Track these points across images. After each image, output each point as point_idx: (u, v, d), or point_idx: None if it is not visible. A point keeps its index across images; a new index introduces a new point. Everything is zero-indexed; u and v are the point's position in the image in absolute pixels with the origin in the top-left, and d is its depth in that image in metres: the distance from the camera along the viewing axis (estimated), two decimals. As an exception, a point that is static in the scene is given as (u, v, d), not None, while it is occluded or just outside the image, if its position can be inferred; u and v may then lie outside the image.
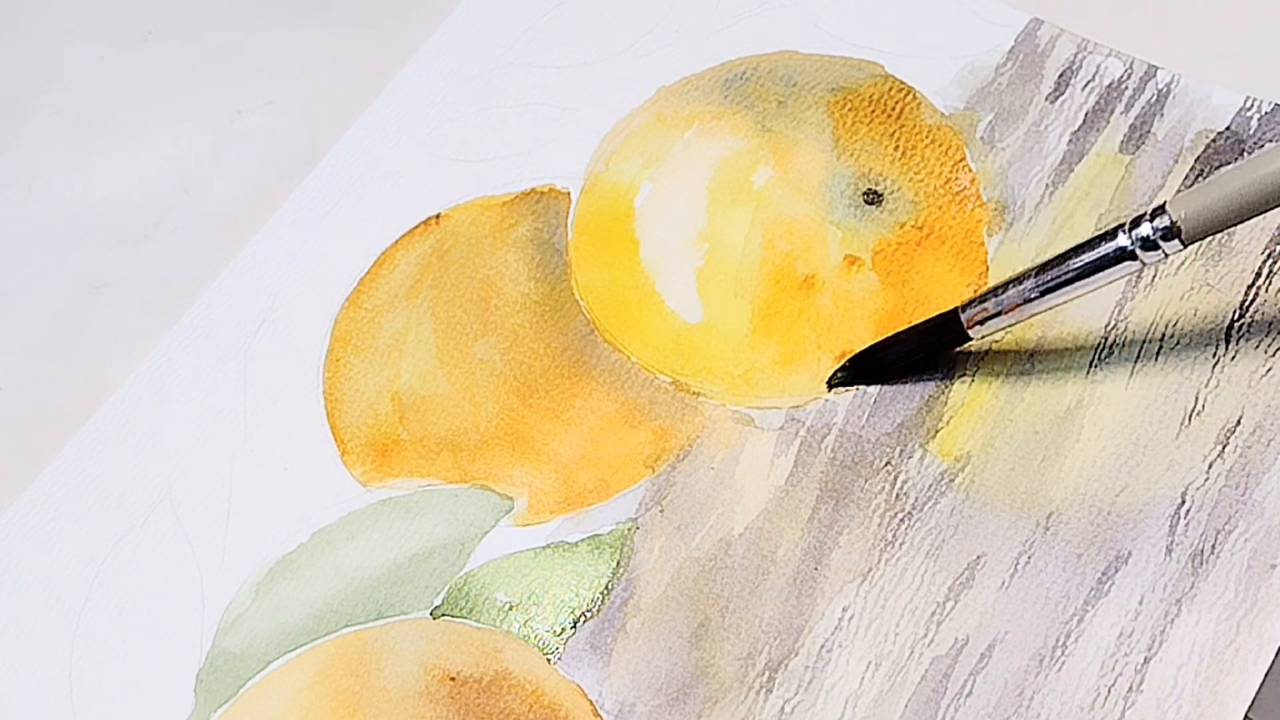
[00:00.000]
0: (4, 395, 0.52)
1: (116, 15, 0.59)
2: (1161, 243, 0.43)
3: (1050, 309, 0.45)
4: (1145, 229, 0.43)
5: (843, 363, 0.47)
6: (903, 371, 0.47)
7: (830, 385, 0.47)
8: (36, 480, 0.49)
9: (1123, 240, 0.43)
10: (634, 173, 0.51)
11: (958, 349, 0.47)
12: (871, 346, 0.47)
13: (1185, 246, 0.43)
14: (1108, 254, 0.44)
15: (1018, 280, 0.45)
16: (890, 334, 0.47)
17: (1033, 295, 0.45)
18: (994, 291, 0.45)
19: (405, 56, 0.56)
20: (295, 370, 0.50)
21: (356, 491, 0.47)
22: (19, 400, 0.51)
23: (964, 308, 0.46)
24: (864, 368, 0.47)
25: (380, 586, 0.46)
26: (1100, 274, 0.44)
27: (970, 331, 0.46)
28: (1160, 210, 0.43)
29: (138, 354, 0.51)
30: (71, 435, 0.50)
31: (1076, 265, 0.44)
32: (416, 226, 0.52)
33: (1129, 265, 0.44)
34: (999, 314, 0.45)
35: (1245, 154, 0.50)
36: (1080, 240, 0.44)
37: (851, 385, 0.47)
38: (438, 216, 0.52)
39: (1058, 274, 0.44)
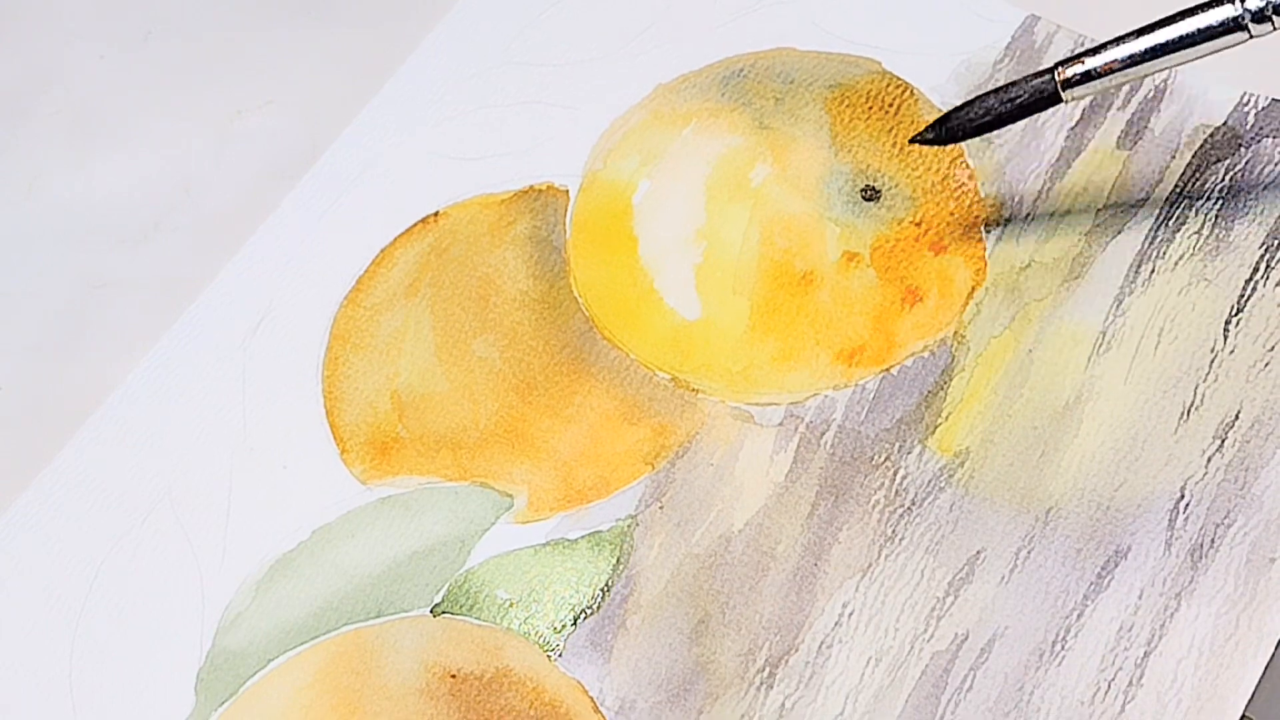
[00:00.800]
0: (4, 395, 0.52)
1: (116, 15, 0.59)
2: (1274, 15, 0.43)
3: (1147, 75, 0.45)
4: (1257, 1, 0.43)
5: (931, 123, 0.47)
6: (988, 127, 0.47)
7: (913, 141, 0.47)
8: (35, 480, 0.49)
9: (1231, 10, 0.43)
10: (632, 170, 0.52)
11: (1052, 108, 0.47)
12: (961, 105, 0.47)
13: None
14: (1215, 24, 0.44)
15: (1115, 43, 0.45)
16: (980, 93, 0.47)
17: (1132, 62, 0.45)
18: (1091, 51, 0.45)
19: (404, 56, 0.56)
20: (294, 369, 0.50)
21: (356, 490, 0.47)
22: (19, 400, 0.51)
23: (1061, 66, 0.45)
24: (951, 127, 0.47)
25: (380, 584, 0.46)
26: (1203, 45, 0.44)
27: (1063, 94, 0.45)
28: None
29: (138, 354, 0.51)
30: (72, 435, 0.50)
31: (1180, 32, 0.44)
32: (415, 224, 0.52)
33: (1237, 36, 0.44)
34: (1095, 77, 0.45)
35: (1243, 149, 0.50)
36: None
37: (937, 145, 0.47)
38: (436, 214, 0.52)
39: (1159, 40, 0.44)
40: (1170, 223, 0.49)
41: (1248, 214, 0.48)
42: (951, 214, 0.50)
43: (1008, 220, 0.49)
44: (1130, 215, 0.49)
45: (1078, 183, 0.50)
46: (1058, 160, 0.50)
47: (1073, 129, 0.51)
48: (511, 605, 0.45)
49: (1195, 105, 0.51)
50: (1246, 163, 0.49)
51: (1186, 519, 0.44)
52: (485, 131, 0.53)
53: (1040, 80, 0.46)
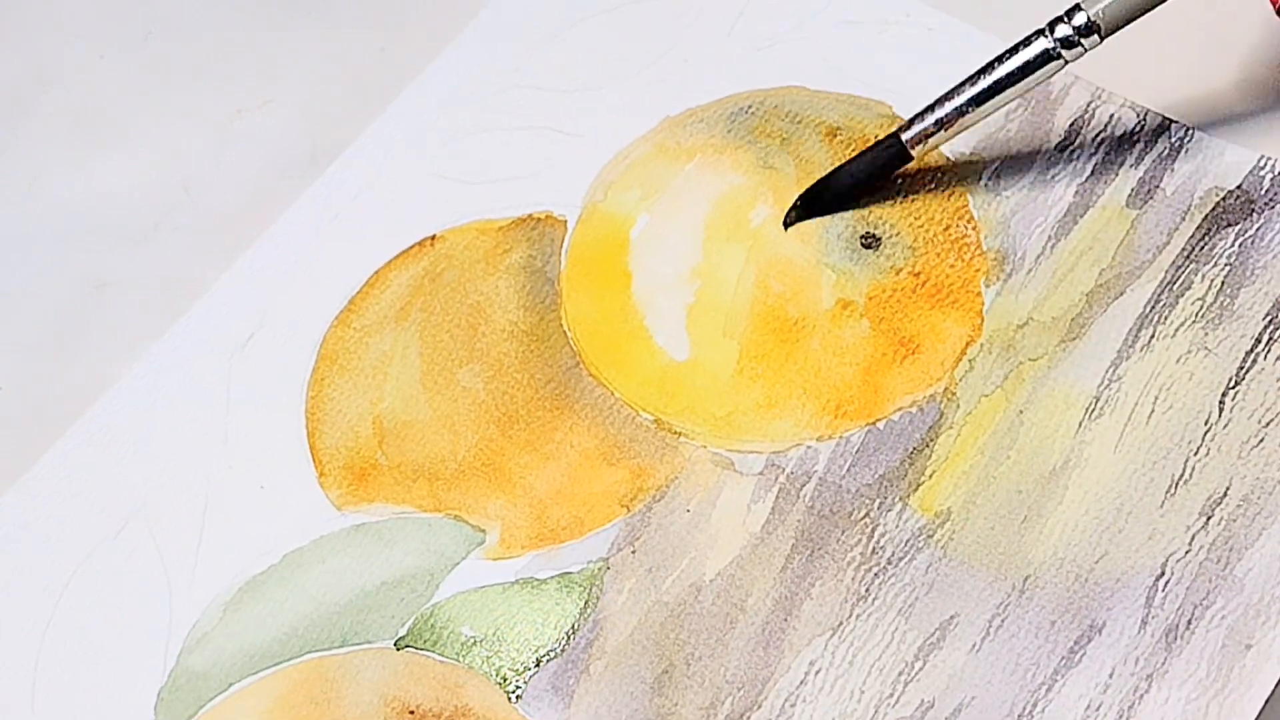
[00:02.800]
0: (4, 395, 0.52)
1: (116, 15, 0.59)
2: (1081, 40, 0.47)
3: (984, 119, 0.49)
4: (1064, 29, 0.47)
5: (794, 201, 0.50)
6: (850, 198, 0.50)
7: (786, 225, 0.50)
8: (17, 483, 0.49)
9: (1045, 43, 0.47)
10: (632, 204, 0.51)
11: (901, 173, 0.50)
12: (820, 180, 0.50)
13: (1103, 40, 0.47)
14: (1032, 58, 0.48)
15: (949, 96, 0.48)
16: (835, 166, 0.50)
17: (967, 109, 0.48)
18: (929, 109, 0.48)
19: (406, 55, 0.55)
20: (279, 387, 0.49)
21: (331, 515, 0.47)
22: (19, 400, 0.51)
23: (904, 128, 0.49)
24: (815, 201, 0.50)
25: (347, 613, 0.45)
26: (1028, 78, 0.48)
27: (913, 151, 0.49)
28: (1075, 9, 0.47)
29: (138, 355, 0.51)
30: (59, 439, 0.50)
31: (1004, 72, 0.48)
32: (411, 247, 0.51)
33: (1054, 65, 0.48)
34: (939, 131, 0.49)
35: (1255, 214, 0.49)
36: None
37: (805, 220, 0.50)
38: (433, 238, 0.51)
39: (988, 84, 0.48)
40: (1174, 287, 0.48)
41: (1254, 282, 0.47)
42: (951, 266, 0.49)
43: (1008, 275, 0.49)
44: (1134, 276, 0.48)
45: (1084, 240, 0.49)
46: (1065, 216, 0.49)
47: (1083, 183, 0.50)
48: (475, 643, 0.44)
49: (1210, 166, 0.50)
50: (1258, 229, 0.48)
51: (1165, 597, 0.43)
52: (489, 155, 0.53)
53: (888, 147, 0.49)
